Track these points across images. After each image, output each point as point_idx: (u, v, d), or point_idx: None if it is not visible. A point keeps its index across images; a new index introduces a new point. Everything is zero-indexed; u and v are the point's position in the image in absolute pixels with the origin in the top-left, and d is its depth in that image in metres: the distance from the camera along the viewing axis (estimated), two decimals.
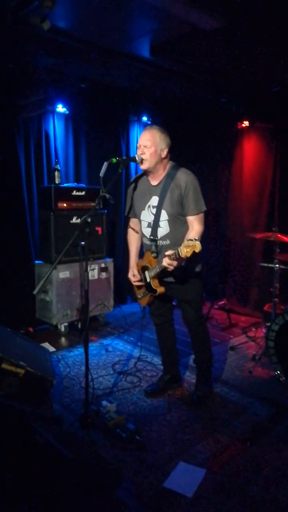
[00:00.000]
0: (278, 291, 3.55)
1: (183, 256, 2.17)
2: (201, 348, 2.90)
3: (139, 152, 2.53)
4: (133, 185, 2.77)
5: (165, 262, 2.29)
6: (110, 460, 2.21)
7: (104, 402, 2.68)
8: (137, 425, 2.48)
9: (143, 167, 2.56)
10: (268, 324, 3.31)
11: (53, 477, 1.65)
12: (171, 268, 2.30)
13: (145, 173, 2.66)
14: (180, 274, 2.60)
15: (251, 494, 1.99)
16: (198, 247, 2.12)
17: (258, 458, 2.26)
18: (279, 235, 3.45)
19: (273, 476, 2.12)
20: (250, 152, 4.92)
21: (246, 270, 4.98)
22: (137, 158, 2.53)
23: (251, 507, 1.91)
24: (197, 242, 2.13)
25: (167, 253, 2.28)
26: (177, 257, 2.22)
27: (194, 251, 2.12)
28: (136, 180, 2.76)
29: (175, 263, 2.27)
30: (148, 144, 2.49)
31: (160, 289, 2.62)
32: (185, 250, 2.14)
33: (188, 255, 2.14)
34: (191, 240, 2.15)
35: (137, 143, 2.66)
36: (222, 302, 4.94)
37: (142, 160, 2.53)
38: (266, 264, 3.72)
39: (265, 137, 4.76)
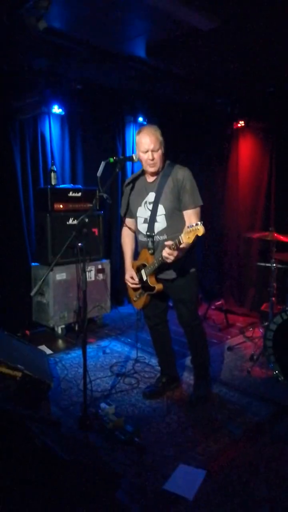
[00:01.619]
0: (275, 291, 3.55)
1: (184, 243, 2.16)
2: (198, 349, 2.88)
3: (148, 156, 2.51)
4: (129, 185, 2.76)
5: (165, 252, 2.27)
6: (110, 462, 2.19)
7: (103, 405, 2.66)
8: (136, 427, 2.46)
9: (154, 169, 2.56)
10: (266, 323, 3.31)
11: (52, 480, 1.63)
12: (170, 258, 2.27)
13: (143, 171, 2.68)
14: (179, 268, 2.59)
15: (252, 495, 1.98)
16: (201, 230, 2.10)
17: (258, 459, 2.25)
18: (275, 235, 3.45)
19: (273, 476, 2.11)
20: (246, 152, 4.93)
21: (243, 270, 4.99)
22: (134, 157, 2.55)
23: (252, 508, 1.90)
24: (199, 226, 2.11)
25: (167, 243, 2.26)
26: (177, 246, 2.21)
27: (197, 235, 2.11)
28: (132, 180, 2.76)
29: (175, 253, 2.25)
30: (156, 148, 2.51)
31: (158, 286, 2.61)
32: (187, 237, 2.13)
33: (190, 241, 2.14)
34: (192, 225, 2.14)
35: (133, 142, 2.66)
36: (219, 302, 4.93)
37: (153, 164, 2.53)
38: (263, 264, 3.73)
39: (260, 137, 4.77)
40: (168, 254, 2.27)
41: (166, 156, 2.63)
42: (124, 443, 2.33)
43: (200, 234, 2.11)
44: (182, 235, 2.16)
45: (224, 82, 4.32)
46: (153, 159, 2.51)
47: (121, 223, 2.94)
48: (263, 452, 2.31)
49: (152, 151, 2.50)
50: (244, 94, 4.67)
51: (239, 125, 4.90)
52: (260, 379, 3.20)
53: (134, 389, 3.02)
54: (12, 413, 2.01)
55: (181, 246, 2.23)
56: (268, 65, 3.73)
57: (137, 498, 1.96)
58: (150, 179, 2.64)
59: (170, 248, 2.25)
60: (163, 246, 2.33)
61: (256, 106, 4.74)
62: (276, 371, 3.05)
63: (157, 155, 2.51)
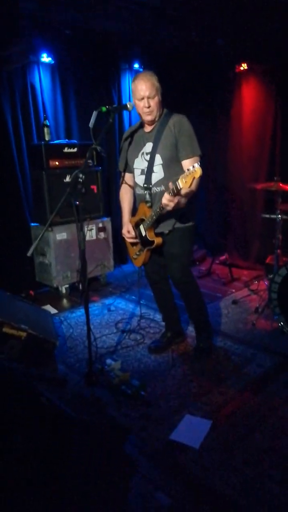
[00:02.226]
0: (280, 243, 3.47)
1: (182, 188, 2.07)
2: (192, 305, 2.82)
3: (144, 104, 2.38)
4: (127, 138, 2.66)
5: (165, 198, 2.17)
6: (116, 416, 2.23)
7: (108, 360, 2.68)
8: (142, 381, 2.49)
9: (150, 118, 2.44)
10: (271, 276, 3.26)
11: (59, 437, 1.66)
12: (170, 205, 2.17)
13: (141, 124, 2.56)
14: (175, 221, 2.52)
15: (257, 443, 2.02)
16: (198, 172, 2.01)
17: (263, 408, 2.28)
18: (281, 185, 3.32)
19: (278, 425, 2.14)
20: (249, 97, 4.66)
21: (247, 223, 4.88)
22: (128, 106, 2.41)
23: (256, 456, 1.94)
24: (196, 168, 2.01)
25: (169, 185, 2.15)
26: (176, 192, 2.12)
27: (194, 178, 2.02)
28: (130, 133, 2.65)
29: (175, 199, 2.15)
30: (152, 94, 2.37)
31: (157, 240, 2.54)
32: (183, 181, 2.04)
33: (187, 185, 2.05)
34: (188, 169, 2.04)
35: (129, 91, 2.50)
36: (223, 256, 4.88)
37: (150, 112, 2.40)
38: (268, 215, 3.61)
39: (264, 81, 4.49)
40: (167, 200, 2.16)
41: (163, 104, 2.50)
42: (131, 397, 2.36)
43: (197, 176, 2.02)
44: (179, 180, 2.07)
45: (225, 20, 3.98)
46: (149, 107, 2.38)
47: (121, 179, 2.83)
48: (267, 402, 2.33)
49: (148, 97, 2.37)
50: (246, 33, 4.30)
51: (241, 68, 4.60)
52: (265, 331, 3.21)
53: (139, 345, 3.04)
54: (17, 372, 2.01)
55: (182, 192, 2.14)
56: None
57: (145, 449, 2.00)
58: (148, 129, 2.54)
59: (169, 193, 2.15)
60: (161, 198, 2.24)
61: (259, 47, 4.40)
62: (281, 323, 3.04)
63: (154, 102, 2.39)
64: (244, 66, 4.57)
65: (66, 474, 1.62)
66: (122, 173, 2.82)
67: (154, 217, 2.43)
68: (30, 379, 1.94)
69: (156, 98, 2.40)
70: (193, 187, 2.23)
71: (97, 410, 2.20)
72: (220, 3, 3.52)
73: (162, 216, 2.46)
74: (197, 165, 2.03)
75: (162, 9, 3.65)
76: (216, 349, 2.94)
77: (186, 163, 2.43)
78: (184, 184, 2.05)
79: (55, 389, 2.26)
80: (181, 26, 4.06)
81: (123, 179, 2.83)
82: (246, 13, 3.75)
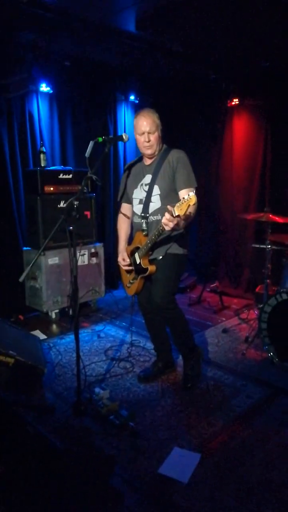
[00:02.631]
0: (270, 272, 3.52)
1: (178, 215, 2.09)
2: (176, 333, 2.78)
3: (144, 139, 2.53)
4: (127, 170, 2.79)
5: (165, 218, 2.14)
6: (104, 447, 2.18)
7: (97, 389, 2.64)
8: (130, 411, 2.45)
9: (150, 152, 2.57)
10: (261, 305, 3.29)
11: (45, 468, 1.61)
12: (169, 225, 2.15)
13: (141, 158, 2.71)
14: (168, 247, 2.57)
15: (246, 477, 1.98)
16: (193, 199, 2.04)
17: (252, 440, 2.25)
18: (270, 216, 3.40)
19: (267, 458, 2.11)
20: (240, 131, 4.82)
21: (238, 252, 4.95)
22: (124, 137, 2.50)
23: (247, 489, 1.90)
24: (191, 196, 2.05)
25: (168, 207, 2.15)
26: (173, 217, 2.13)
27: (189, 205, 2.05)
28: (130, 165, 2.80)
29: (175, 220, 2.13)
30: (152, 130, 2.52)
31: (151, 267, 2.57)
32: (179, 209, 2.07)
33: (183, 212, 2.07)
34: (184, 197, 2.07)
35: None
36: (214, 284, 4.91)
37: (149, 147, 2.54)
38: (258, 245, 3.68)
39: (255, 115, 4.66)
40: (167, 220, 2.15)
41: (163, 140, 2.64)
42: (119, 428, 2.32)
43: (191, 203, 2.06)
44: (175, 208, 2.09)
45: (219, 56, 4.17)
46: (149, 141, 2.52)
47: (115, 207, 2.91)
48: (257, 434, 2.31)
49: (149, 133, 2.51)
50: (239, 70, 4.52)
51: (233, 103, 4.78)
52: (255, 361, 3.20)
53: (129, 373, 3.01)
54: (3, 400, 1.97)
55: (174, 216, 2.13)
56: (263, 39, 3.59)
57: (132, 482, 1.95)
58: (147, 162, 2.67)
59: (169, 213, 2.14)
60: (157, 227, 2.30)
61: (250, 83, 4.61)
62: (271, 353, 3.05)
63: (153, 137, 2.53)
64: (235, 101, 4.75)
65: (50, 506, 1.57)
66: (120, 203, 2.92)
67: (149, 244, 2.48)
68: (17, 407, 1.90)
69: (156, 134, 2.54)
70: (191, 212, 2.27)
71: (85, 441, 2.15)
72: (214, 41, 3.69)
73: (157, 243, 2.51)
74: (192, 193, 2.08)
75: (158, 44, 3.82)
76: (206, 379, 2.92)
77: (182, 193, 2.49)
78: (180, 211, 2.08)
79: (42, 418, 2.21)
80: (176, 60, 4.23)
81: (120, 209, 2.92)
82: (238, 51, 3.93)
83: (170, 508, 1.81)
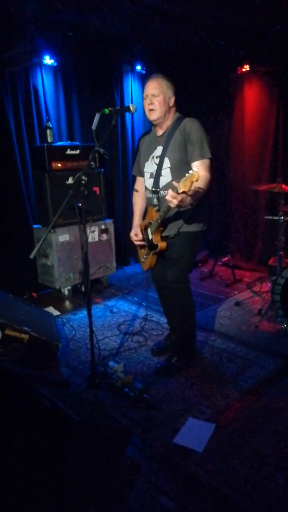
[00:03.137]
0: (283, 244, 3.46)
1: (182, 191, 2.00)
2: (181, 315, 2.69)
3: (147, 102, 2.43)
4: (142, 142, 2.68)
5: (169, 195, 2.08)
6: (119, 419, 2.23)
7: (111, 363, 2.68)
8: (145, 383, 2.48)
9: (153, 117, 2.46)
10: (274, 278, 3.25)
11: (62, 440, 1.65)
12: (174, 202, 2.07)
13: (153, 125, 2.56)
14: (181, 224, 2.47)
15: (260, 447, 2.01)
16: (195, 175, 1.96)
17: (266, 411, 2.27)
18: (283, 186, 3.32)
19: (281, 428, 2.13)
20: (252, 99, 4.65)
21: (249, 225, 4.87)
22: (131, 108, 2.39)
23: (260, 460, 1.93)
24: (193, 172, 1.97)
25: (174, 183, 2.08)
26: (178, 193, 2.05)
27: (192, 182, 1.98)
28: (144, 135, 2.68)
29: (179, 197, 2.05)
30: (156, 93, 2.40)
31: (162, 244, 2.48)
32: (183, 185, 1.99)
33: (187, 189, 1.99)
34: (188, 172, 1.99)
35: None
36: (226, 258, 4.87)
37: (151, 110, 2.43)
38: (270, 217, 3.61)
39: (267, 82, 4.48)
40: (171, 197, 2.08)
41: (175, 109, 2.51)
42: (134, 400, 2.36)
43: (194, 179, 1.98)
44: (180, 183, 2.01)
45: (227, 21, 3.98)
46: (151, 104, 2.39)
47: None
48: (271, 405, 2.32)
49: (153, 95, 2.39)
50: (249, 35, 4.31)
51: (243, 69, 4.59)
52: (268, 333, 3.19)
53: (142, 347, 3.03)
54: (20, 375, 2.01)
55: (180, 192, 2.04)
56: (273, 1, 3.40)
57: (148, 453, 1.99)
58: (159, 132, 2.54)
59: (173, 191, 2.08)
60: (165, 202, 2.21)
61: (261, 48, 4.40)
62: (284, 325, 3.03)
63: (158, 101, 2.40)
64: (246, 68, 4.56)
65: (67, 476, 1.62)
66: (135, 177, 2.83)
67: (159, 220, 2.40)
68: (33, 381, 1.93)
69: (161, 98, 2.40)
70: (200, 187, 2.18)
71: (100, 413, 2.19)
72: (222, 4, 3.51)
73: (169, 219, 2.44)
74: (196, 168, 2.01)
75: (164, 9, 3.65)
76: (219, 351, 2.93)
77: (195, 165, 2.36)
78: (184, 187, 2.00)
79: (58, 392, 2.26)
80: (183, 27, 4.06)
81: (136, 183, 2.83)
82: (248, 14, 3.74)
83: (185, 476, 1.85)
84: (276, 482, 1.79)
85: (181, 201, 2.08)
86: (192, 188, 2.02)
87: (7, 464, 1.55)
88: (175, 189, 2.06)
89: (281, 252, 3.46)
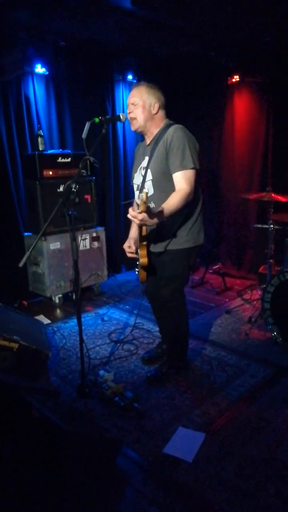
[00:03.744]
0: (273, 252, 3.49)
1: (139, 211, 1.92)
2: (171, 330, 2.67)
3: (128, 111, 2.39)
4: (135, 150, 2.64)
5: (129, 213, 1.99)
6: (109, 428, 2.21)
7: (101, 372, 2.66)
8: (135, 392, 2.47)
9: (133, 127, 2.42)
10: (264, 286, 3.28)
11: (51, 450, 1.63)
12: (136, 221, 1.99)
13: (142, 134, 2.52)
14: (168, 241, 2.39)
15: (251, 455, 2.00)
16: (143, 196, 1.89)
17: (256, 419, 2.27)
18: (273, 195, 3.35)
19: (272, 436, 2.13)
20: (242, 109, 4.72)
21: (240, 233, 4.91)
22: (121, 117, 2.38)
23: (251, 468, 1.93)
24: (144, 192, 1.92)
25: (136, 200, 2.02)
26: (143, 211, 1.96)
27: (144, 203, 1.90)
28: (139, 144, 2.63)
29: (139, 216, 1.94)
30: (135, 101, 2.35)
31: (143, 260, 2.28)
32: (141, 205, 1.91)
33: (142, 209, 1.90)
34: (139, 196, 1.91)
35: (123, 103, 2.50)
36: (217, 266, 4.89)
37: (131, 120, 2.38)
38: (260, 225, 3.64)
39: (256, 93, 4.55)
40: (131, 215, 1.98)
41: (164, 116, 2.45)
42: (124, 409, 2.34)
43: (143, 201, 1.89)
44: (139, 202, 1.95)
45: (218, 32, 4.04)
46: (131, 113, 2.35)
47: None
48: (261, 413, 2.32)
49: (132, 104, 2.35)
50: (239, 46, 4.39)
51: (234, 80, 4.66)
52: (259, 341, 3.20)
53: (133, 356, 3.02)
54: (8, 385, 1.99)
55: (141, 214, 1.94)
56: (263, 12, 3.47)
57: (138, 462, 1.98)
58: (147, 141, 2.48)
59: (133, 209, 2.02)
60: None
61: (251, 59, 4.48)
62: (275, 333, 3.05)
63: (137, 110, 2.34)
64: (236, 78, 4.63)
65: (57, 487, 1.60)
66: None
67: (140, 235, 2.25)
68: (21, 391, 1.91)
69: (140, 108, 2.34)
70: (176, 202, 2.12)
71: (90, 422, 2.17)
72: (213, 15, 3.57)
73: (156, 235, 2.37)
74: (145, 190, 1.92)
75: (156, 20, 3.70)
76: (210, 359, 2.93)
77: (176, 177, 2.26)
78: (141, 207, 1.92)
79: (47, 401, 2.23)
80: (174, 37, 4.11)
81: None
82: (238, 26, 3.81)
83: (175, 486, 1.84)
84: (267, 491, 1.79)
85: (142, 220, 1.96)
86: (145, 208, 1.91)
87: None
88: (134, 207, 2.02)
89: (271, 260, 3.48)
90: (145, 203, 1.91)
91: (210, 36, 4.15)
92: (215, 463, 1.97)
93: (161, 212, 2.08)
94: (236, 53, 4.52)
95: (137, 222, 2.00)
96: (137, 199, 2.53)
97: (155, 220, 2.07)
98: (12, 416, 1.75)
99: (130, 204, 2.80)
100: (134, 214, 1.96)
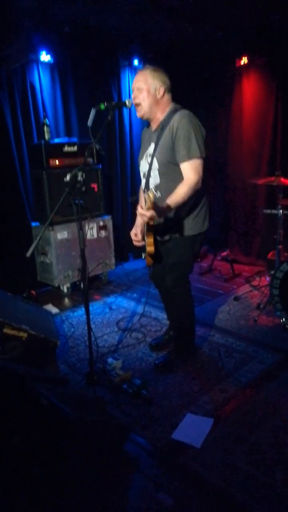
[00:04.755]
0: (282, 238, 3.45)
1: (146, 208, 1.97)
2: (177, 318, 2.69)
3: (132, 96, 2.34)
4: (142, 134, 2.59)
5: (138, 210, 2.06)
6: (118, 415, 2.23)
7: (110, 359, 2.68)
8: (143, 380, 2.49)
9: (139, 114, 2.37)
10: (272, 272, 3.24)
11: (60, 438, 1.66)
12: (145, 219, 2.05)
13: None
14: (174, 229, 2.39)
15: (259, 441, 2.01)
16: (150, 195, 1.94)
17: (264, 405, 2.27)
18: (282, 179, 3.30)
19: (280, 422, 2.13)
20: (250, 92, 4.62)
21: (248, 219, 4.86)
22: (127, 103, 2.33)
23: (259, 454, 1.93)
24: (149, 193, 1.95)
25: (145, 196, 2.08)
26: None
27: (151, 202, 1.96)
28: (145, 128, 2.57)
29: (148, 213, 2.00)
30: (140, 86, 2.29)
31: (149, 248, 2.28)
32: (148, 202, 1.96)
33: (150, 207, 1.96)
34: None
35: (129, 88, 2.46)
36: (225, 253, 4.86)
37: (136, 106, 2.33)
38: (269, 211, 3.59)
39: (265, 74, 4.45)
40: (139, 213, 2.05)
41: (169, 100, 2.38)
42: (132, 396, 2.36)
43: (149, 200, 1.92)
44: (148, 200, 1.98)
45: (224, 13, 3.93)
46: (136, 99, 2.30)
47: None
48: (270, 399, 2.32)
49: (137, 89, 2.30)
50: (246, 25, 4.26)
51: (242, 62, 4.55)
52: (267, 328, 3.19)
53: (140, 343, 3.04)
54: (17, 373, 2.01)
55: (149, 210, 2.00)
56: None
57: (146, 448, 2.00)
58: (153, 127, 2.42)
59: (142, 207, 2.06)
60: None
61: (259, 39, 4.35)
62: (283, 319, 3.03)
63: (142, 95, 2.29)
64: (244, 60, 4.52)
65: (66, 475, 1.62)
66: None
67: (145, 225, 2.28)
68: (30, 379, 1.94)
69: (144, 93, 2.28)
70: (183, 192, 2.15)
71: (99, 410, 2.20)
72: None
73: (162, 223, 2.35)
74: (152, 188, 1.96)
75: (161, 3, 3.61)
76: (218, 345, 2.93)
77: (183, 167, 2.24)
78: (148, 205, 1.97)
79: (56, 390, 2.26)
80: (180, 20, 4.01)
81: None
82: (246, 5, 3.70)
83: (184, 472, 1.86)
84: (275, 477, 1.80)
85: (149, 218, 2.02)
86: (153, 206, 1.96)
87: (4, 464, 1.56)
88: (142, 205, 2.06)
89: (280, 246, 3.44)
90: (153, 202, 1.97)
91: (218, 17, 4.04)
92: (223, 448, 1.98)
93: (169, 206, 2.12)
94: (244, 34, 4.39)
95: (146, 219, 2.07)
96: (143, 193, 2.52)
97: (163, 215, 2.15)
98: (21, 405, 1.77)
99: (137, 201, 2.80)
100: (143, 212, 2.02)
